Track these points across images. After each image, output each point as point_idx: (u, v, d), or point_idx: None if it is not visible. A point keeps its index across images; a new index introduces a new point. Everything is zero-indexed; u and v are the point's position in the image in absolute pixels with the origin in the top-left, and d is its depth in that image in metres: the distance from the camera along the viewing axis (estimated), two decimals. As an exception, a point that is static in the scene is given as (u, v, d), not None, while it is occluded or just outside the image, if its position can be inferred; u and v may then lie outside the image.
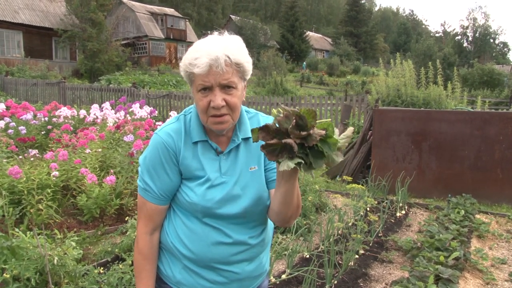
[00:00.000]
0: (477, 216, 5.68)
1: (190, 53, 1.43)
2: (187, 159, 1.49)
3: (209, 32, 1.50)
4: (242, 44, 1.47)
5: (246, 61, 1.45)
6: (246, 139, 1.55)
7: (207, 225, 1.49)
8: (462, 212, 5.36)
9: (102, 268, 3.41)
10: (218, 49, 1.38)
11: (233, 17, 58.01)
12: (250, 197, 1.51)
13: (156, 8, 43.49)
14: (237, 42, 1.45)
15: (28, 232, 3.38)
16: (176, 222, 1.54)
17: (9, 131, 6.80)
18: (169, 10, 44.59)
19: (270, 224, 1.67)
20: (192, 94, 1.50)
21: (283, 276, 3.66)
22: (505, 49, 77.31)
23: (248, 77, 1.51)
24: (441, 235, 4.33)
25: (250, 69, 1.49)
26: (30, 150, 5.67)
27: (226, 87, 1.41)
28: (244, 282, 1.57)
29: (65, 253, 3.19)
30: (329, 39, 69.61)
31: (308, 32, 63.10)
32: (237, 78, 1.43)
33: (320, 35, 73.43)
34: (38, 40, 30.12)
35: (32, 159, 5.34)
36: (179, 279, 1.55)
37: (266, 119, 1.61)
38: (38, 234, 3.23)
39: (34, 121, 7.57)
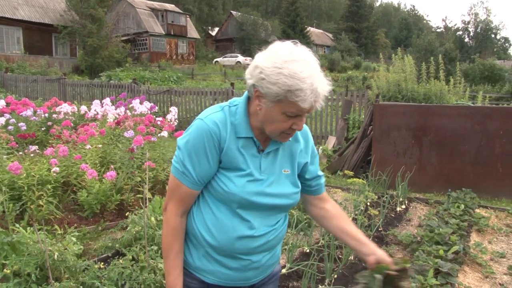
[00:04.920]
0: (477, 210, 5.68)
1: (293, 77, 1.37)
2: (231, 150, 1.51)
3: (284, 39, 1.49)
4: None
5: None
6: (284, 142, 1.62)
7: (236, 216, 1.53)
8: (462, 206, 5.36)
9: (102, 263, 3.42)
10: (322, 87, 1.41)
11: (233, 12, 57.87)
12: (281, 197, 1.59)
13: (156, 4, 43.40)
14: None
15: (28, 228, 3.40)
16: (204, 210, 1.57)
17: (9, 127, 6.80)
18: (170, 6, 44.49)
19: (286, 222, 1.74)
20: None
21: (283, 271, 3.67)
22: (507, 44, 77.14)
23: None
24: (441, 229, 4.33)
25: None
26: (30, 146, 5.67)
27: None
28: (259, 269, 1.63)
29: (66, 249, 3.20)
30: (330, 35, 69.43)
31: (309, 27, 63.02)
32: None
33: (321, 31, 73.25)
34: (38, 36, 30.11)
35: (32, 155, 5.35)
36: (199, 265, 1.60)
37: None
38: (39, 230, 3.24)
39: (34, 117, 7.57)
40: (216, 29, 61.18)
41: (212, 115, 1.53)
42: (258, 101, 1.46)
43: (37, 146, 5.73)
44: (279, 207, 1.60)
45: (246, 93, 1.56)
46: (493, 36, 70.72)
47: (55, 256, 3.02)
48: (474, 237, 4.83)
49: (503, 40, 76.08)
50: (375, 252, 1.63)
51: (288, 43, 1.45)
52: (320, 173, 1.77)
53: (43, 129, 7.45)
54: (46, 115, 7.97)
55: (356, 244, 1.69)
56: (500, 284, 3.76)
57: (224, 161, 1.52)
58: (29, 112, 7.51)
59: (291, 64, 1.37)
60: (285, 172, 1.61)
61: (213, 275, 1.59)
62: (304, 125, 1.67)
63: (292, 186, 1.62)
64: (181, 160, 1.53)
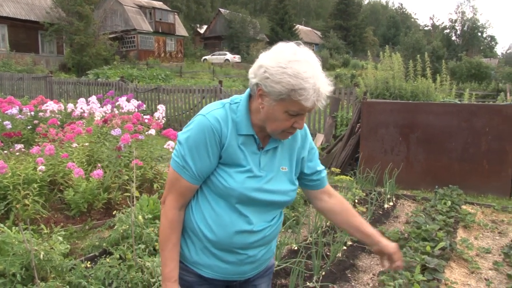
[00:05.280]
0: (464, 207, 5.74)
1: (297, 77, 1.41)
2: (232, 147, 1.54)
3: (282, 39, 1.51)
4: None
5: None
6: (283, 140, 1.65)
7: (235, 211, 1.56)
8: (449, 203, 5.41)
9: (89, 263, 3.40)
10: (324, 88, 1.45)
11: (222, 10, 57.74)
12: (279, 194, 1.63)
13: (144, 1, 43.11)
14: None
15: (14, 228, 3.36)
16: (203, 205, 1.60)
17: (-5, 126, 6.72)
18: (158, 3, 44.25)
19: (282, 218, 1.78)
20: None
21: (271, 268, 3.67)
22: (493, 42, 77.88)
23: None
24: (428, 225, 4.37)
25: None
26: (16, 145, 5.60)
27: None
28: (255, 264, 1.68)
29: (52, 248, 3.17)
30: (319, 33, 69.57)
31: (298, 25, 63.06)
32: None
33: (310, 29, 73.35)
34: (24, 33, 29.77)
35: (18, 154, 5.29)
36: (196, 260, 1.63)
37: None
38: (24, 229, 3.21)
39: (20, 115, 7.49)
40: (205, 26, 60.97)
41: (214, 112, 1.55)
42: (260, 99, 1.49)
43: (23, 145, 5.67)
44: (276, 204, 1.64)
45: (247, 91, 1.59)
46: (479, 34, 71.35)
47: (41, 256, 2.98)
48: (461, 233, 4.88)
49: (489, 39, 76.82)
50: (378, 243, 1.74)
51: (292, 44, 1.48)
52: (320, 167, 1.81)
53: (29, 127, 7.37)
54: (32, 113, 7.88)
55: (361, 236, 1.78)
56: (485, 279, 3.80)
57: (225, 157, 1.55)
58: (14, 111, 7.42)
59: (295, 64, 1.41)
60: (283, 169, 1.65)
61: (210, 269, 1.62)
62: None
63: (290, 183, 1.67)
64: (181, 154, 1.55)
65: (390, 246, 1.74)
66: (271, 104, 1.46)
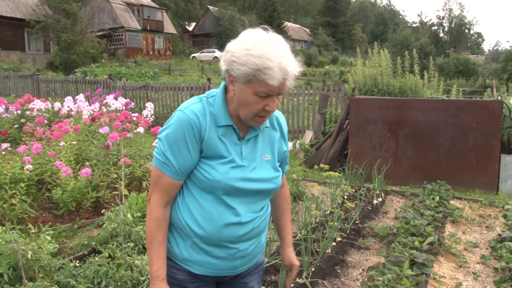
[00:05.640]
0: (452, 202, 5.79)
1: (261, 57, 1.42)
2: (212, 139, 1.55)
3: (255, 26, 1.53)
4: None
5: None
6: (263, 128, 1.68)
7: (222, 204, 1.56)
8: (437, 198, 5.46)
9: (78, 262, 3.38)
10: (291, 66, 1.46)
11: (210, 7, 57.56)
12: (264, 182, 1.63)
13: (132, -1, 42.83)
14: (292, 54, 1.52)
15: (0, 227, 3.33)
16: (189, 200, 1.60)
17: (-19, 125, 6.65)
18: (146, 1, 43.96)
19: (269, 210, 1.79)
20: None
21: (261, 265, 3.67)
22: (480, 39, 78.70)
23: None
24: (416, 221, 4.41)
25: None
26: (2, 144, 5.54)
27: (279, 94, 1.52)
28: (245, 258, 1.68)
29: (40, 248, 3.15)
30: (308, 30, 69.61)
31: (286, 22, 63.07)
32: None
33: (299, 26, 73.41)
34: (9, 31, 29.40)
35: (4, 153, 5.23)
36: (186, 257, 1.62)
37: (278, 114, 1.76)
38: (11, 229, 3.18)
39: (7, 114, 7.41)
40: (193, 24, 60.73)
41: (191, 106, 1.57)
42: (232, 86, 1.52)
43: (9, 144, 5.61)
44: (262, 192, 1.64)
45: (223, 83, 1.62)
46: (466, 31, 71.96)
47: (29, 256, 2.96)
48: (449, 228, 4.93)
49: (476, 35, 77.54)
50: (283, 248, 1.94)
51: (259, 30, 1.52)
52: (288, 160, 1.88)
53: (15, 126, 7.29)
54: (19, 112, 7.80)
55: (278, 234, 2.00)
56: (473, 273, 3.84)
57: (206, 150, 1.55)
58: (1, 109, 7.35)
59: (259, 46, 1.45)
60: (266, 158, 1.66)
61: (200, 265, 1.62)
62: (280, 114, 1.78)
63: (274, 170, 1.68)
64: (162, 151, 1.56)
65: (290, 258, 1.92)
66: (241, 88, 1.49)
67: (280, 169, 1.73)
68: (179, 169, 1.55)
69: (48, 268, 3.11)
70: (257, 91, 1.47)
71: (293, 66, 1.48)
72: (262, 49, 1.44)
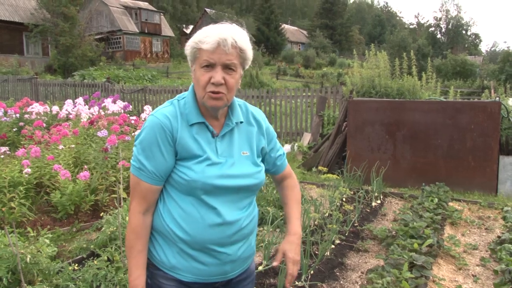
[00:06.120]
0: (450, 203, 5.80)
1: (200, 32, 1.54)
2: (184, 139, 1.55)
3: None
4: (247, 36, 1.59)
5: (249, 49, 1.58)
6: (237, 124, 1.67)
7: (203, 205, 1.54)
8: (436, 200, 5.46)
9: (77, 265, 3.38)
10: (227, 32, 1.51)
11: (208, 10, 57.57)
12: (245, 178, 1.61)
13: (130, 2, 42.82)
14: (244, 33, 1.58)
15: (-1, 231, 3.32)
16: (171, 205, 1.58)
17: (-21, 128, 6.64)
18: (143, 4, 43.96)
19: (257, 210, 1.76)
20: (191, 73, 1.61)
21: (260, 268, 3.68)
22: (477, 40, 78.58)
23: (247, 67, 1.62)
24: (415, 223, 4.41)
25: (251, 59, 1.61)
26: (1, 147, 5.53)
27: (228, 68, 1.52)
28: (236, 263, 1.64)
29: (39, 251, 3.15)
30: (305, 32, 69.70)
31: (284, 25, 63.09)
32: (238, 62, 1.55)
33: (296, 28, 73.51)
34: (8, 35, 29.42)
35: (3, 156, 5.23)
36: (174, 264, 1.58)
37: (254, 109, 1.77)
38: (10, 233, 3.17)
39: (5, 118, 7.41)
40: (191, 27, 60.68)
41: (163, 109, 1.60)
42: (192, 74, 1.59)
43: (8, 147, 5.61)
44: (244, 188, 1.62)
45: (192, 84, 1.64)
46: (464, 32, 72.04)
47: (28, 259, 2.96)
48: (448, 230, 4.93)
49: (473, 36, 77.56)
50: (285, 238, 1.77)
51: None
52: (281, 151, 1.86)
53: (14, 129, 7.28)
54: (18, 115, 7.79)
55: (286, 224, 1.86)
56: (473, 275, 3.85)
57: (180, 151, 1.55)
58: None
59: (202, 29, 1.56)
60: (244, 154, 1.65)
61: (189, 272, 1.58)
62: (256, 109, 1.79)
63: (253, 165, 1.66)
64: (137, 156, 1.57)
65: (282, 247, 1.74)
66: (193, 69, 1.57)
67: (261, 164, 1.71)
68: (154, 173, 1.55)
69: (47, 272, 3.11)
70: (200, 63, 1.52)
71: (232, 33, 1.52)
72: (205, 28, 1.55)
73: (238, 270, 1.68)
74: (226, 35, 1.49)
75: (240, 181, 1.59)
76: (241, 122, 1.68)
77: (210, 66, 1.51)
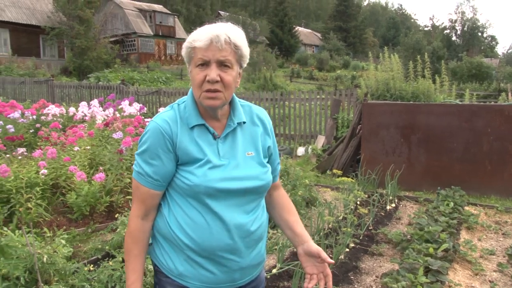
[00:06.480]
0: (466, 208, 5.72)
1: (194, 32, 1.52)
2: (184, 143, 1.52)
3: (205, 22, 1.59)
4: (243, 33, 1.56)
5: (245, 45, 1.54)
6: (240, 124, 1.62)
7: (208, 211, 1.50)
8: (451, 204, 5.40)
9: (92, 266, 3.40)
10: (220, 29, 1.49)
11: (222, 13, 57.78)
12: (250, 179, 1.57)
13: (144, 5, 43.19)
14: (238, 29, 1.55)
15: (17, 231, 3.36)
16: (176, 211, 1.55)
17: (-3, 129, 6.74)
18: (158, 7, 44.31)
19: (266, 214, 1.71)
20: (189, 76, 1.58)
21: (274, 271, 3.67)
22: (493, 42, 77.78)
23: (245, 64, 1.58)
24: (430, 227, 4.36)
25: (247, 55, 1.57)
26: (18, 148, 5.61)
27: (223, 65, 1.49)
28: (245, 270, 1.59)
29: (55, 251, 3.18)
30: (319, 34, 69.58)
31: (297, 27, 63.08)
32: (234, 59, 1.51)
33: (310, 30, 73.42)
34: (25, 38, 29.85)
35: (20, 157, 5.30)
36: (182, 271, 1.55)
37: (258, 109, 1.73)
38: (27, 233, 3.21)
39: (22, 119, 7.50)
40: (205, 29, 60.98)
41: (162, 114, 1.58)
42: (190, 76, 1.56)
43: (25, 149, 5.67)
44: (250, 191, 1.57)
45: (191, 88, 1.62)
46: (480, 34, 71.35)
47: (44, 259, 2.99)
48: (464, 235, 4.87)
49: (490, 38, 76.77)
50: (304, 243, 1.71)
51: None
52: (278, 159, 1.81)
53: (31, 131, 7.37)
54: (34, 117, 7.89)
55: (291, 234, 1.76)
56: (490, 281, 3.79)
57: (181, 156, 1.53)
58: (17, 114, 7.43)
59: (196, 29, 1.54)
60: (249, 154, 1.61)
61: (197, 280, 1.55)
62: (261, 110, 1.75)
63: (259, 166, 1.61)
64: (137, 161, 1.57)
65: (316, 246, 1.70)
66: (189, 70, 1.55)
67: (267, 165, 1.66)
68: (153, 178, 1.53)
69: (63, 272, 3.14)
70: (195, 62, 1.50)
71: (226, 29, 1.50)
72: (199, 28, 1.53)
73: (247, 277, 1.63)
74: (218, 31, 1.47)
75: (245, 183, 1.55)
76: (244, 123, 1.63)
77: (205, 64, 1.48)
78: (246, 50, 1.55)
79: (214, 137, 1.57)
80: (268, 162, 1.69)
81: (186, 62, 1.57)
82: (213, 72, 1.47)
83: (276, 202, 1.81)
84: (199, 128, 1.56)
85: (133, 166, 1.59)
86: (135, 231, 1.57)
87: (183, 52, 1.55)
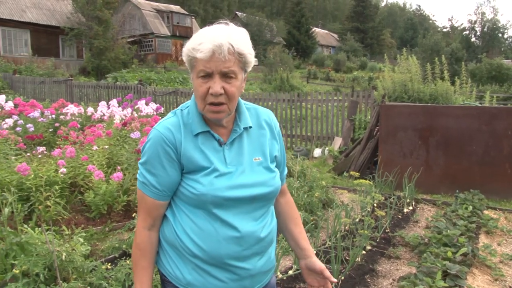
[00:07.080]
0: (485, 212, 5.64)
1: (194, 38, 1.44)
2: (189, 151, 1.47)
3: (214, 21, 1.52)
4: (247, 35, 1.48)
5: (249, 52, 1.46)
6: (246, 129, 1.57)
7: (216, 219, 1.46)
8: (470, 208, 5.32)
9: (109, 264, 3.43)
10: (223, 37, 1.39)
11: (239, 13, 57.90)
12: (258, 186, 1.52)
13: (162, 6, 43.49)
14: (242, 33, 1.46)
15: (36, 229, 3.42)
16: (182, 219, 1.51)
17: (17, 128, 6.84)
18: (175, 7, 44.59)
19: (275, 220, 1.67)
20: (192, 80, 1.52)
21: (290, 272, 3.67)
22: (514, 43, 76.65)
23: (249, 69, 1.51)
24: (448, 230, 4.31)
25: (252, 61, 1.49)
26: (38, 147, 5.69)
27: (226, 76, 1.42)
28: (255, 278, 1.55)
29: (73, 249, 3.21)
30: (336, 35, 69.34)
31: (314, 28, 62.89)
32: (238, 68, 1.44)
33: (326, 31, 73.15)
34: (45, 38, 30.29)
35: (40, 156, 5.37)
36: (190, 280, 1.51)
37: (265, 112, 1.67)
38: (46, 230, 3.25)
39: (42, 118, 7.61)
40: (222, 30, 61.17)
41: (165, 122, 1.53)
42: (192, 82, 1.49)
43: (44, 147, 5.75)
44: (259, 198, 1.52)
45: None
46: (500, 35, 70.34)
47: (63, 257, 3.03)
48: (483, 239, 4.79)
49: (510, 40, 75.65)
50: (308, 258, 1.71)
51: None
52: (285, 162, 1.76)
53: (50, 130, 7.47)
54: (54, 116, 8.00)
55: (295, 246, 1.76)
56: (510, 287, 3.73)
57: (186, 164, 1.48)
58: (36, 114, 7.55)
59: (196, 33, 1.47)
60: (256, 160, 1.55)
61: None
62: (267, 112, 1.68)
63: (267, 171, 1.56)
64: (141, 171, 1.52)
65: (319, 263, 1.69)
66: (192, 79, 1.48)
67: (275, 170, 1.60)
68: (158, 188, 1.49)
69: (81, 270, 3.17)
70: (197, 72, 1.43)
71: (228, 36, 1.40)
72: (199, 31, 1.46)
73: (257, 285, 1.59)
74: (221, 40, 1.38)
75: (253, 190, 1.50)
76: (250, 127, 1.57)
77: (207, 75, 1.41)
78: (251, 56, 1.47)
79: (220, 144, 1.51)
80: (275, 166, 1.64)
81: (188, 67, 1.50)
82: (217, 85, 1.41)
83: (281, 211, 1.76)
84: (204, 135, 1.50)
85: (137, 175, 1.54)
86: (142, 243, 1.54)
87: (184, 58, 1.48)
